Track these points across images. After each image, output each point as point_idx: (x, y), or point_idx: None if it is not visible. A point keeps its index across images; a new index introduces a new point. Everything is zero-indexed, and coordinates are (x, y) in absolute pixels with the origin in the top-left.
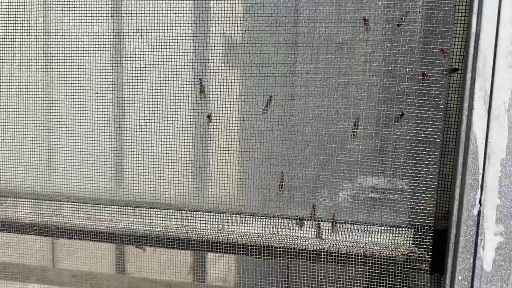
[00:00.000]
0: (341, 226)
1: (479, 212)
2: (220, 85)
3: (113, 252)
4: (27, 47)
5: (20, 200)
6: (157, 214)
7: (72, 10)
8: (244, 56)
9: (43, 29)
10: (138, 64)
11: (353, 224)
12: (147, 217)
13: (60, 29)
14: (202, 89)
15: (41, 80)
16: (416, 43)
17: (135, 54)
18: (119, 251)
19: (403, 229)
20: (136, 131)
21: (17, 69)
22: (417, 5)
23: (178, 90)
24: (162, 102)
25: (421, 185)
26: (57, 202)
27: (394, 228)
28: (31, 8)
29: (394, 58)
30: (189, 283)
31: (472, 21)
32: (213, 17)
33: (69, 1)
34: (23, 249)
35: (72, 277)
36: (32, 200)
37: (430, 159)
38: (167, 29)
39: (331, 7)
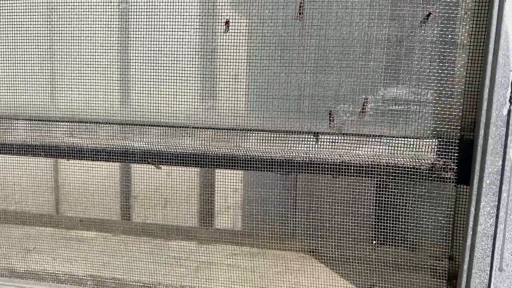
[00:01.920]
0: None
1: (509, 111)
2: None
3: (119, 198)
4: None
5: (29, 122)
6: (168, 132)
7: None
8: None
9: None
10: None
11: (373, 136)
12: (159, 136)
13: None
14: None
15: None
16: None
17: None
18: (124, 199)
19: (428, 140)
20: (142, 49)
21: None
22: None
23: None
24: (170, 12)
25: (447, 90)
26: (68, 123)
27: (419, 140)
28: None
29: None
30: (196, 227)
31: None
32: None
33: None
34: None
35: (79, 221)
36: (42, 122)
37: (456, 61)
38: None
39: None
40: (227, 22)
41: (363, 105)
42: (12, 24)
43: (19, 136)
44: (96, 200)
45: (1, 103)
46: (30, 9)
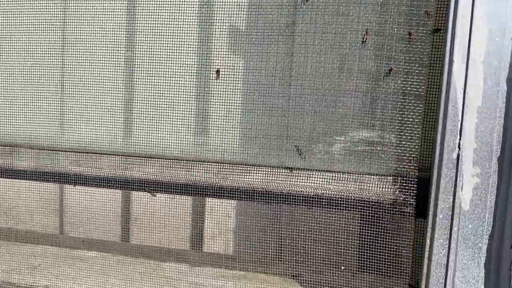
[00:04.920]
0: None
1: (458, 155)
2: (225, 43)
3: (119, 219)
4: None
5: (34, 150)
6: (164, 164)
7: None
8: (249, 16)
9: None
10: (148, 26)
11: (345, 173)
12: (156, 167)
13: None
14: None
15: (56, 36)
16: (404, 6)
17: (144, 10)
18: (124, 219)
19: (390, 177)
20: (145, 87)
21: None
22: None
23: (184, 44)
24: (170, 56)
25: (407, 134)
26: (75, 153)
27: (383, 177)
28: None
29: (384, 19)
30: (188, 250)
31: None
32: None
33: None
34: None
35: (82, 242)
36: (52, 151)
37: (415, 110)
38: None
39: None
40: (217, 71)
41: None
42: (26, 61)
43: (31, 164)
44: (98, 222)
45: (16, 132)
46: (44, 48)
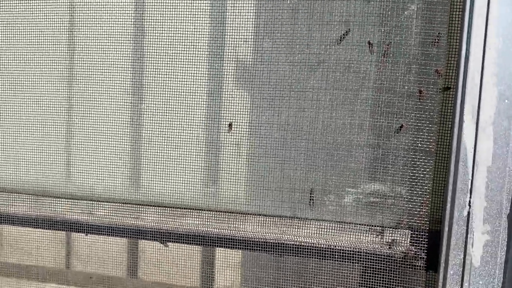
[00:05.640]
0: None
1: (469, 213)
2: (235, 96)
3: (126, 254)
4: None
5: (39, 197)
6: (175, 213)
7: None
8: (262, 72)
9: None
10: (155, 77)
11: (356, 225)
12: (166, 215)
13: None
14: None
15: (63, 79)
16: (414, 65)
17: (153, 61)
18: (132, 256)
19: (401, 230)
20: (153, 135)
21: (40, 70)
22: (414, 31)
23: (193, 95)
24: (178, 107)
25: (418, 189)
26: (86, 201)
27: (393, 229)
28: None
29: (395, 77)
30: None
31: (462, 47)
32: (228, 38)
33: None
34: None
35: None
36: (61, 199)
37: (425, 166)
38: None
39: (340, 31)
40: (230, 125)
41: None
42: (32, 105)
43: (42, 213)
44: (106, 257)
45: (24, 179)
46: (50, 96)
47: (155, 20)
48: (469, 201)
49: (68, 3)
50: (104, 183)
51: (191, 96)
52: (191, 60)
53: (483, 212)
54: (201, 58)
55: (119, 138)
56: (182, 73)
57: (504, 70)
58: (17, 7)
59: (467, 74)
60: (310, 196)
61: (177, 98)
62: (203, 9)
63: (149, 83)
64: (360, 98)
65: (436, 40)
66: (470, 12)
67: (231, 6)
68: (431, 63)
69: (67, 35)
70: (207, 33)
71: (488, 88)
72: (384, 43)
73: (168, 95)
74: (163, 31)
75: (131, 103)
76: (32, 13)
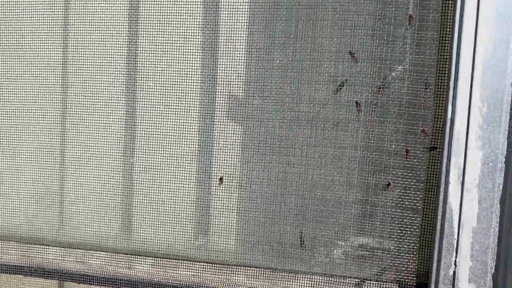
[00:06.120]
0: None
1: (454, 272)
2: (226, 151)
3: None
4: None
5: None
6: (165, 264)
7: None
8: (252, 128)
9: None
10: (147, 132)
11: (345, 278)
12: (157, 266)
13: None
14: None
15: (54, 134)
16: (401, 125)
17: (143, 121)
18: None
19: (389, 283)
20: (145, 187)
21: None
22: (403, 92)
23: (184, 145)
24: (170, 160)
25: (405, 245)
26: (79, 250)
27: (381, 283)
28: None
29: (382, 136)
30: None
31: (448, 108)
32: (219, 94)
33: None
34: None
35: None
36: (55, 247)
37: (413, 224)
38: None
39: (328, 91)
40: (221, 179)
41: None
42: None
43: (34, 261)
44: None
45: (16, 227)
46: (42, 142)
47: (145, 73)
48: (455, 261)
49: (62, 24)
50: (97, 232)
51: (183, 149)
52: (183, 117)
53: (468, 272)
54: (192, 112)
55: (111, 188)
56: (174, 126)
57: (488, 134)
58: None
59: (452, 136)
60: (301, 241)
61: (169, 150)
62: (193, 76)
63: (141, 137)
64: (348, 155)
65: (422, 101)
66: (456, 76)
67: (222, 65)
68: (417, 123)
69: (60, 75)
70: (198, 91)
71: (473, 151)
72: (371, 103)
73: (160, 147)
74: (155, 88)
75: (123, 153)
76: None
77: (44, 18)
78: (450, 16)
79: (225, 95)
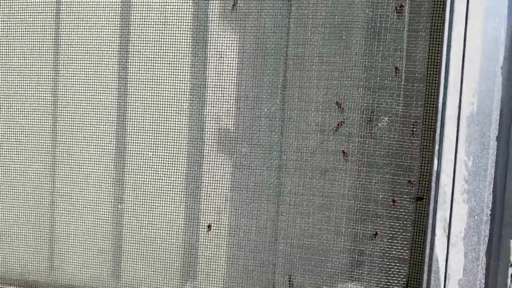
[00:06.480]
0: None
1: None
2: (214, 199)
3: None
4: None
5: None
6: None
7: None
8: (240, 176)
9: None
10: (135, 180)
11: None
12: None
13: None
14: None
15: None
16: (388, 174)
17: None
18: None
19: None
20: (134, 232)
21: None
22: (389, 142)
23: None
24: (159, 207)
25: None
26: None
27: None
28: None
29: (369, 186)
30: None
31: (434, 161)
32: (206, 144)
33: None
34: None
35: None
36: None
37: (400, 273)
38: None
39: (316, 140)
40: (209, 226)
41: None
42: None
43: None
44: None
45: (6, 269)
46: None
47: (134, 117)
48: None
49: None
50: (86, 276)
51: (171, 196)
52: (171, 164)
53: None
54: (180, 158)
55: (101, 234)
56: (161, 173)
57: (474, 187)
58: None
59: (438, 189)
60: (289, 281)
61: (157, 197)
62: (181, 124)
63: (129, 184)
64: (336, 204)
65: (409, 152)
66: (441, 129)
67: (210, 113)
68: (404, 174)
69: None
70: (186, 140)
71: (459, 204)
72: (358, 153)
73: (148, 194)
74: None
75: (112, 199)
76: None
77: (36, 21)
78: (436, 68)
79: (213, 143)
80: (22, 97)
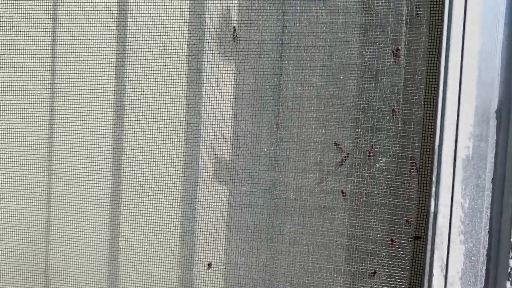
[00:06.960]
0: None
1: None
2: (214, 237)
3: None
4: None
5: None
6: None
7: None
8: (240, 215)
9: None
10: (130, 217)
11: None
12: None
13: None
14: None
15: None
16: (386, 214)
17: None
18: None
19: None
20: (130, 270)
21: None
22: (387, 182)
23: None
24: (155, 245)
25: None
26: None
27: None
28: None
29: (367, 225)
30: None
31: (431, 203)
32: (203, 180)
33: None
34: None
35: None
36: None
37: None
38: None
39: (314, 180)
40: (209, 264)
41: None
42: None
43: None
44: None
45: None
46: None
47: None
48: None
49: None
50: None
51: (169, 234)
52: (166, 202)
53: None
54: (175, 196)
55: (95, 275)
56: (155, 210)
57: (470, 229)
58: None
59: (435, 229)
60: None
61: (153, 235)
62: (176, 161)
63: (126, 222)
64: (335, 243)
65: (406, 192)
66: (438, 171)
67: (209, 153)
68: (402, 213)
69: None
70: (181, 176)
71: (456, 244)
72: (356, 192)
73: (144, 233)
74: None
75: (109, 235)
76: None
77: (32, 21)
78: (433, 111)
79: (211, 181)
80: (18, 100)
